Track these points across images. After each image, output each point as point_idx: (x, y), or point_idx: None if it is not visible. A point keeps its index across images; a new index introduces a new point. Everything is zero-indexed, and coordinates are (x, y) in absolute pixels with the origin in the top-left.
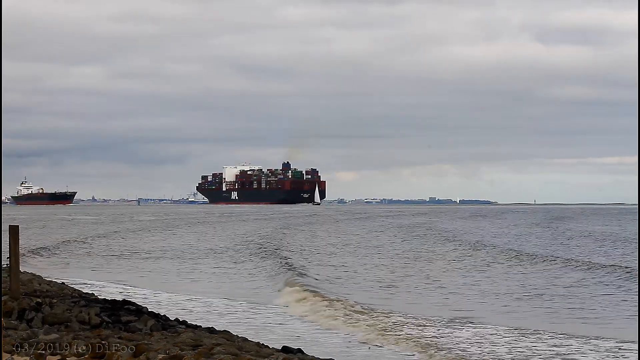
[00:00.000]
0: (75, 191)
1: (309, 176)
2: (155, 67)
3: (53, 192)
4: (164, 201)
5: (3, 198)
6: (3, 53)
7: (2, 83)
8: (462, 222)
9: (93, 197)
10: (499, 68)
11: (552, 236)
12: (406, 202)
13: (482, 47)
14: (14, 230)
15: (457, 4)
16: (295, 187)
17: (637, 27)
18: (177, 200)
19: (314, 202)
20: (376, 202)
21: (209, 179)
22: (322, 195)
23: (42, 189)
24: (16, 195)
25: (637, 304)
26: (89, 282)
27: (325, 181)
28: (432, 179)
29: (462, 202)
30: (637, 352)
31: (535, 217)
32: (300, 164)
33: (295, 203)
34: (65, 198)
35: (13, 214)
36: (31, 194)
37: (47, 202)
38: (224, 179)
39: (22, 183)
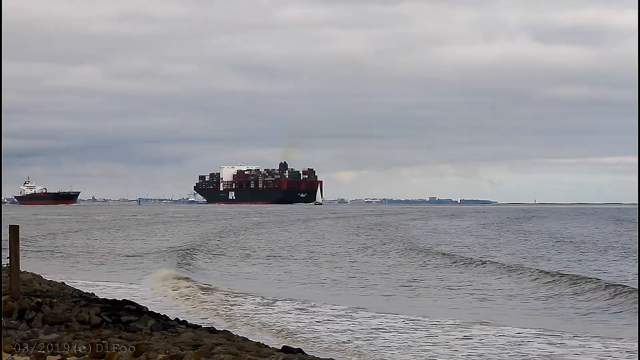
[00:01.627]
0: (79, 191)
1: (306, 176)
2: (154, 67)
3: (56, 191)
4: (164, 201)
5: (2, 198)
6: (2, 53)
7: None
8: (424, 221)
9: (93, 197)
10: (498, 68)
11: (486, 235)
12: (406, 202)
13: (481, 47)
14: (14, 230)
15: (455, 4)
16: (292, 187)
17: (636, 26)
18: (177, 200)
19: (315, 201)
20: (376, 202)
21: (206, 179)
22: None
23: (45, 188)
24: (19, 195)
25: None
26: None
27: (322, 181)
28: (432, 179)
29: (463, 202)
30: (638, 352)
31: (501, 216)
32: (300, 164)
33: (292, 203)
34: (68, 198)
35: (11, 214)
36: (34, 193)
37: (51, 202)
38: (222, 178)
39: (25, 183)
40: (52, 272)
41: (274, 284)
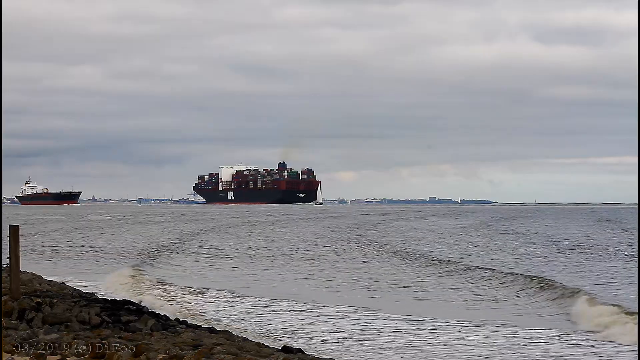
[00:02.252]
0: (81, 191)
1: (305, 176)
2: (154, 67)
3: (58, 191)
4: (164, 201)
5: (3, 198)
6: (2, 53)
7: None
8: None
9: (93, 197)
10: (498, 68)
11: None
12: (406, 202)
13: (480, 47)
14: (14, 230)
15: (455, 4)
16: (291, 187)
17: (636, 26)
18: (177, 200)
19: (315, 201)
20: (376, 202)
21: (205, 179)
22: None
23: (46, 188)
24: (20, 195)
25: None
26: None
27: (320, 181)
28: (432, 179)
29: (464, 202)
30: (638, 352)
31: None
32: (300, 164)
33: (291, 203)
34: (70, 198)
35: (6, 214)
36: (36, 193)
37: (52, 202)
38: (221, 179)
39: (27, 183)
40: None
41: (271, 284)
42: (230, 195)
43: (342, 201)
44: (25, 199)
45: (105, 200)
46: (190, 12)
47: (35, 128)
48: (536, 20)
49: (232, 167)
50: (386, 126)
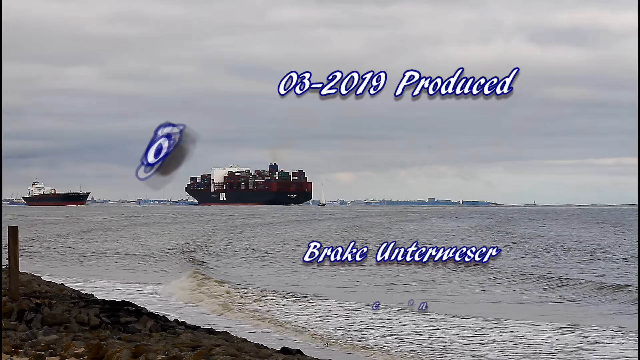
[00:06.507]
0: (89, 192)
1: (296, 177)
2: (151, 68)
3: (66, 192)
4: (163, 202)
5: (3, 199)
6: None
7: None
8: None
9: (92, 198)
10: (495, 69)
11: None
12: (405, 203)
13: (476, 48)
14: (13, 231)
15: (451, 5)
16: (282, 189)
17: (635, 27)
18: (176, 201)
19: (319, 203)
20: (375, 203)
21: (197, 180)
22: (309, 196)
23: (54, 189)
24: (27, 196)
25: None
26: None
27: (311, 182)
28: (431, 180)
29: (464, 203)
30: (637, 350)
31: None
32: (297, 165)
33: (282, 204)
34: (78, 199)
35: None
36: (43, 194)
37: (60, 203)
38: (212, 180)
39: (34, 184)
40: None
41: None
42: (222, 196)
43: (342, 202)
44: (32, 200)
45: (105, 201)
46: (185, 13)
47: (33, 129)
48: (532, 21)
49: (224, 169)
50: (385, 127)
